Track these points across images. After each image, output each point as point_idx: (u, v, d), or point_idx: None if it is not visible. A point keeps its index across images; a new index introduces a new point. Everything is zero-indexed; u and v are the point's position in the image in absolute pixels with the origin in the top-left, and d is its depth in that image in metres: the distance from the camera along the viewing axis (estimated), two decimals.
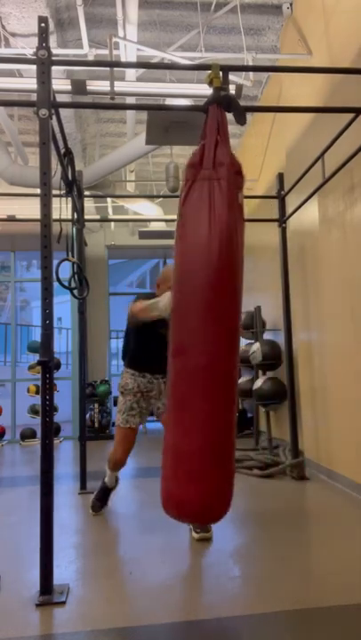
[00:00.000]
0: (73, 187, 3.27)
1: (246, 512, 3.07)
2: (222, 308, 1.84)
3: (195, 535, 2.64)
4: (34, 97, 2.30)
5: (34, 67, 2.27)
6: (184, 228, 1.88)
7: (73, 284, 3.46)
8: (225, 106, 1.99)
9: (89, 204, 7.09)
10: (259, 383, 4.94)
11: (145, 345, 2.89)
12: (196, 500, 1.82)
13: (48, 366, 2.11)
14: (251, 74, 4.40)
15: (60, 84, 3.62)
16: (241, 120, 2.04)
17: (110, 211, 7.11)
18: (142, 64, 2.63)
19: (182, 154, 6.65)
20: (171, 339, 1.96)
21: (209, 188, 1.84)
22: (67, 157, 3.08)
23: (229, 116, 2.03)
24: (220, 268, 1.82)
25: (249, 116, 6.00)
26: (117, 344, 10.11)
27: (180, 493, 1.85)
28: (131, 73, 4.33)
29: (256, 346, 5.12)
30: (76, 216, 3.80)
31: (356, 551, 2.38)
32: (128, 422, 2.88)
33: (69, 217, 3.63)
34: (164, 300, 2.65)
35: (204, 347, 1.83)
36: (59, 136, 2.77)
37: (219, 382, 1.84)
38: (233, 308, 1.86)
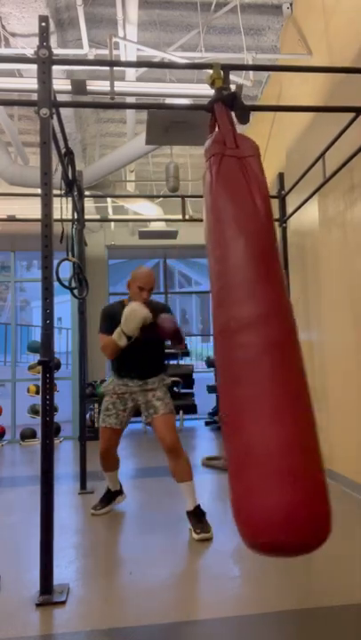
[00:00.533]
0: (73, 187, 3.27)
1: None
2: (274, 272, 1.62)
3: (195, 536, 2.64)
4: (34, 97, 2.30)
5: (34, 66, 2.27)
6: (217, 204, 1.73)
7: (73, 284, 3.46)
8: (229, 104, 1.99)
9: (89, 204, 7.08)
10: None
11: (126, 354, 2.84)
12: (305, 515, 1.31)
13: (48, 366, 2.11)
14: (251, 74, 4.40)
15: (60, 84, 3.62)
16: (243, 119, 2.04)
17: (110, 211, 7.11)
18: (142, 63, 2.63)
19: (182, 154, 6.65)
20: (216, 320, 1.65)
21: (239, 164, 1.77)
22: (67, 157, 3.08)
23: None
24: (269, 229, 1.67)
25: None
26: None
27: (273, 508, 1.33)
28: (131, 73, 4.32)
29: None
30: (76, 216, 3.80)
31: (356, 551, 2.38)
32: (104, 422, 2.93)
33: (69, 217, 3.63)
34: (127, 311, 2.69)
35: (260, 319, 1.53)
36: (59, 136, 2.77)
37: (284, 356, 1.52)
38: (281, 275, 1.66)
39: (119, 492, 3.26)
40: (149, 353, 2.91)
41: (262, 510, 1.33)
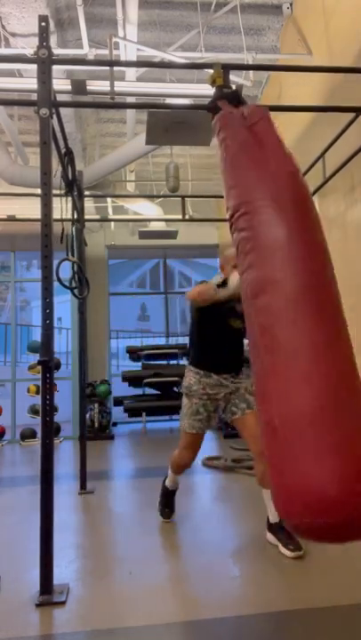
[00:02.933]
0: (73, 186, 3.27)
1: (247, 512, 3.06)
2: (307, 230, 1.48)
3: (287, 553, 2.31)
4: (34, 96, 2.30)
5: (34, 66, 2.27)
6: (243, 165, 1.61)
7: (73, 284, 3.46)
8: (233, 101, 1.99)
9: (89, 204, 7.07)
10: None
11: (210, 340, 2.59)
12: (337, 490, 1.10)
13: (48, 366, 2.11)
14: (251, 74, 4.40)
15: (60, 84, 3.61)
16: None
17: (110, 211, 7.11)
18: (142, 63, 2.63)
19: (182, 154, 6.65)
20: (249, 285, 1.48)
21: (253, 130, 1.66)
22: (67, 157, 3.08)
23: None
24: (292, 182, 1.53)
25: None
26: (117, 344, 10.12)
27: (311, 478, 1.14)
28: (131, 73, 4.32)
29: None
30: (76, 216, 3.80)
31: (356, 551, 2.38)
32: (193, 427, 2.60)
33: (70, 217, 3.63)
34: (234, 279, 2.36)
35: (291, 274, 1.40)
36: (59, 136, 2.77)
37: (320, 311, 1.39)
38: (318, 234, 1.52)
39: (175, 491, 2.97)
40: (238, 343, 2.61)
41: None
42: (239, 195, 1.57)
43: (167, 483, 2.92)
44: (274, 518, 2.45)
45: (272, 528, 2.46)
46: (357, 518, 1.11)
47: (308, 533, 1.17)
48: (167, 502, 2.93)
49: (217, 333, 2.56)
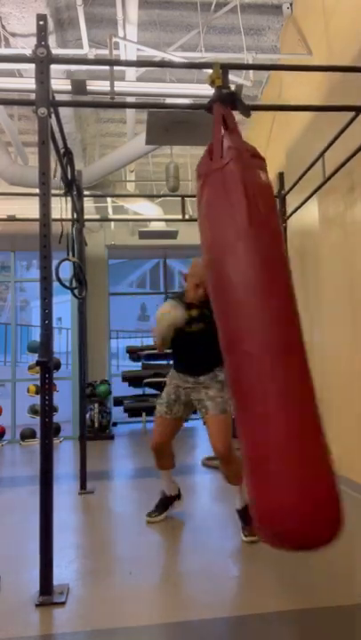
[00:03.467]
0: (72, 186, 3.27)
1: None
2: (264, 288, 1.58)
3: (243, 538, 2.58)
4: (33, 96, 2.29)
5: (33, 66, 2.26)
6: (206, 220, 1.73)
7: (73, 284, 3.46)
8: (229, 103, 1.99)
9: (89, 204, 7.07)
10: None
11: (177, 349, 2.84)
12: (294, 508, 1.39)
13: (47, 366, 2.11)
14: (251, 74, 4.40)
15: (59, 83, 3.61)
16: (246, 113, 2.04)
17: (110, 211, 7.11)
18: (142, 63, 2.63)
19: (182, 154, 6.65)
20: (220, 338, 1.67)
21: (221, 175, 1.71)
22: (66, 157, 3.08)
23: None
24: (248, 237, 1.60)
25: None
26: (117, 344, 10.11)
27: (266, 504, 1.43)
28: (131, 73, 4.32)
29: None
30: (75, 216, 3.80)
31: (356, 551, 2.38)
32: (157, 411, 2.86)
33: (69, 217, 3.63)
34: (167, 317, 2.66)
35: (255, 334, 1.55)
36: (58, 136, 2.77)
37: (282, 367, 1.54)
38: (278, 286, 1.61)
39: (176, 497, 3.02)
40: (201, 348, 2.71)
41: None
42: (209, 251, 1.70)
43: (162, 486, 3.01)
44: (237, 506, 2.69)
45: (238, 513, 2.70)
46: (309, 540, 1.44)
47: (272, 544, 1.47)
48: (160, 504, 3.00)
49: (181, 343, 2.79)
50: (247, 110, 2.05)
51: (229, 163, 1.72)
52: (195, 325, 2.73)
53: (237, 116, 1.96)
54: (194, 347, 2.77)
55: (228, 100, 1.99)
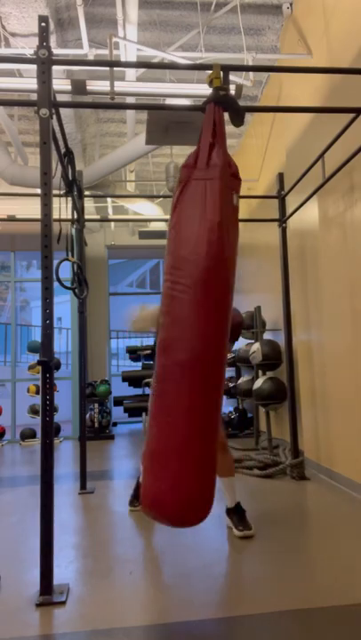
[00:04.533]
0: (73, 187, 3.27)
1: (246, 512, 3.06)
2: (209, 306, 1.79)
3: (237, 533, 2.64)
4: (34, 97, 2.30)
5: (34, 66, 2.27)
6: (176, 227, 1.86)
7: (73, 284, 3.46)
8: (223, 105, 1.99)
9: (89, 204, 7.08)
10: (259, 383, 4.94)
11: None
12: (171, 502, 1.76)
13: (48, 366, 2.11)
14: (251, 74, 4.40)
15: (60, 84, 3.62)
16: (237, 122, 2.04)
17: (110, 211, 7.11)
18: (142, 63, 2.63)
19: (182, 154, 6.65)
20: (158, 339, 1.92)
21: (202, 187, 1.82)
22: (67, 157, 3.08)
23: (226, 117, 2.03)
24: (208, 267, 1.79)
25: (248, 116, 6.00)
26: (117, 344, 10.12)
27: (154, 492, 1.79)
28: (131, 73, 4.32)
29: (256, 346, 5.11)
30: (76, 216, 3.80)
31: (356, 551, 2.38)
32: None
33: (69, 217, 3.63)
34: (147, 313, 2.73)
35: (187, 343, 1.78)
36: (59, 136, 2.77)
37: (200, 379, 1.77)
38: (222, 306, 1.82)
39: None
40: None
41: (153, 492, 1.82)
42: (170, 266, 1.88)
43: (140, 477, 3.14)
44: (229, 504, 2.74)
45: (228, 512, 2.76)
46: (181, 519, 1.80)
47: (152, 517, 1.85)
48: (136, 493, 3.23)
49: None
50: (239, 120, 2.05)
51: (214, 180, 1.83)
52: None
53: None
54: None
55: (223, 104, 1.99)
